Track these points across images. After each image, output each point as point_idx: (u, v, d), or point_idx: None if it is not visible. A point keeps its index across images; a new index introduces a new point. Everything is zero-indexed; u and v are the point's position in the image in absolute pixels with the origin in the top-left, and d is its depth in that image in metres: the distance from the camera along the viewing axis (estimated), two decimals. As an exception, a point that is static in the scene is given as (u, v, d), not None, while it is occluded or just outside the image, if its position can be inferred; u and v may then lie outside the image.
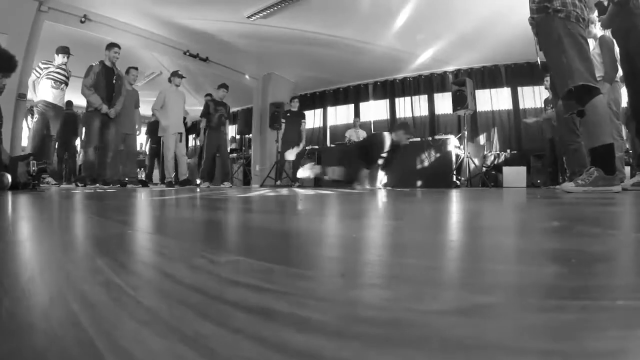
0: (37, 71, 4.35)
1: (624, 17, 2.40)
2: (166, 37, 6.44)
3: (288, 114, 6.47)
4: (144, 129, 7.13)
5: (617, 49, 3.10)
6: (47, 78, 4.38)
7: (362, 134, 7.15)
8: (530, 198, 1.89)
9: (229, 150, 6.66)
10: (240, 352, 0.15)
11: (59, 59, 4.47)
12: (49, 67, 4.38)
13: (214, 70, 7.36)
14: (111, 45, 4.53)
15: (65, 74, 4.52)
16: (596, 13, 2.77)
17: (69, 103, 6.80)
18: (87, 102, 4.38)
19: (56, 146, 5.35)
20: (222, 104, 5.78)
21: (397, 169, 5.43)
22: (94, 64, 4.42)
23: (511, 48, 5.98)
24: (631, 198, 1.60)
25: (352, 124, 7.61)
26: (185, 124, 5.74)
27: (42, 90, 4.37)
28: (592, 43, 3.18)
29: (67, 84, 4.55)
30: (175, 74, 5.45)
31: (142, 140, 8.16)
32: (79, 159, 6.03)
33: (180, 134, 5.46)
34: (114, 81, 4.51)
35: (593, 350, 0.16)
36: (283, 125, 6.50)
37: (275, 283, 0.27)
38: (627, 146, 3.74)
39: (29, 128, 4.59)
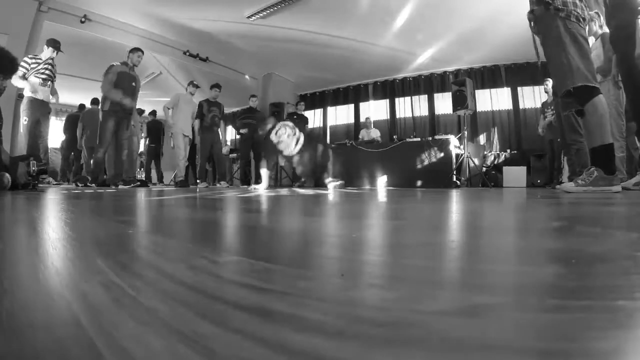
0: (23, 66, 4.11)
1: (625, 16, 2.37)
2: (166, 37, 6.44)
3: (295, 117, 6.45)
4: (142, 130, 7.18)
5: None
6: (35, 76, 4.24)
7: (375, 133, 7.10)
8: (530, 198, 1.89)
9: (229, 151, 6.68)
10: (240, 352, 0.15)
11: (48, 52, 4.29)
12: (37, 63, 4.21)
13: (214, 70, 7.36)
14: (135, 50, 4.54)
15: (52, 69, 4.37)
16: (596, 10, 2.76)
17: (81, 106, 6.83)
18: (107, 99, 4.32)
19: (47, 144, 5.24)
20: (216, 103, 5.82)
21: (398, 169, 5.45)
22: (115, 64, 4.38)
23: (511, 48, 5.99)
24: (631, 198, 1.60)
25: (364, 123, 7.46)
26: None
27: (30, 87, 4.18)
28: (591, 41, 3.17)
29: (53, 80, 4.44)
30: (190, 83, 5.64)
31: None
32: (83, 159, 6.04)
33: (188, 137, 5.55)
34: (133, 84, 4.52)
35: (593, 350, 0.16)
36: None
37: (275, 283, 0.27)
38: None
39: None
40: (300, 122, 6.43)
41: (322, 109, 9.25)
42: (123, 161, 4.56)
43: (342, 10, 5.29)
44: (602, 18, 3.02)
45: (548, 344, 0.16)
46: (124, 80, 4.40)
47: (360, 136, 7.15)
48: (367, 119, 7.46)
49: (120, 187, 4.36)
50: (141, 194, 2.28)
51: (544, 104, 5.06)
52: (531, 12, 2.18)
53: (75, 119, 6.51)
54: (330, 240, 0.54)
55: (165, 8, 5.44)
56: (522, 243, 0.51)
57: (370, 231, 0.64)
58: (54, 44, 4.30)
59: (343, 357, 0.15)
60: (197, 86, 5.65)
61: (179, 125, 5.42)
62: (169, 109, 5.40)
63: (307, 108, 9.39)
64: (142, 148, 8.55)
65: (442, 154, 5.19)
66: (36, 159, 2.77)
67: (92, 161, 5.05)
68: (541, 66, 2.40)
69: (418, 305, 0.22)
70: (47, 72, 4.29)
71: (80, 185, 4.43)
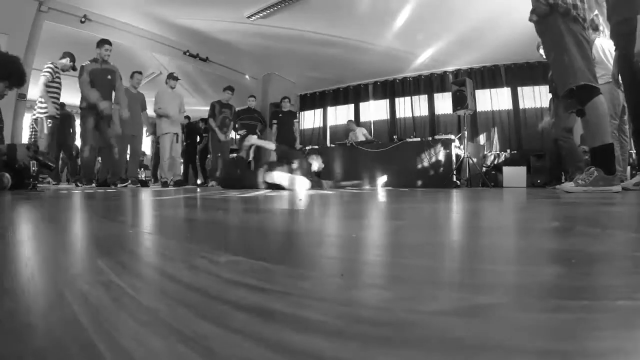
0: (50, 72, 4.28)
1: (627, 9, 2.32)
2: (166, 37, 6.44)
3: (280, 115, 6.48)
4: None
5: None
6: (56, 84, 4.40)
7: (361, 132, 7.07)
8: (530, 198, 1.89)
9: (229, 151, 6.69)
10: (240, 352, 0.15)
11: (66, 65, 4.42)
12: (58, 72, 4.37)
13: (214, 70, 7.36)
14: (102, 42, 4.43)
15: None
16: (596, 12, 2.75)
17: (62, 105, 6.83)
18: (85, 98, 4.31)
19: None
20: (227, 105, 5.88)
21: (398, 169, 5.44)
22: (85, 64, 4.34)
23: (511, 48, 5.99)
24: (631, 198, 1.60)
25: (348, 127, 7.39)
26: (182, 125, 5.79)
27: (50, 94, 4.36)
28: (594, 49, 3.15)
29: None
30: (170, 76, 5.59)
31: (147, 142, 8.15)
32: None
33: (176, 134, 5.49)
34: (108, 77, 4.43)
35: (593, 350, 0.16)
36: (274, 127, 6.49)
37: (275, 283, 0.27)
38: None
39: (33, 133, 4.58)
40: (289, 117, 6.46)
41: (322, 109, 9.24)
42: (115, 160, 4.54)
43: (342, 11, 5.29)
44: (600, 18, 3.02)
45: (548, 344, 0.16)
46: (97, 78, 4.33)
47: (348, 139, 6.75)
48: (349, 121, 7.37)
49: (119, 186, 4.37)
50: (141, 194, 2.28)
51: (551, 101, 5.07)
52: (533, 11, 2.18)
53: (63, 118, 6.47)
54: (330, 240, 0.54)
55: (165, 8, 5.43)
56: (522, 243, 0.51)
57: (370, 231, 0.64)
58: (74, 61, 4.45)
59: (343, 357, 0.15)
60: (176, 78, 5.60)
61: (166, 125, 5.35)
62: (159, 109, 5.34)
63: (307, 108, 9.40)
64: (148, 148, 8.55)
65: (442, 154, 5.19)
66: (39, 155, 2.69)
67: (79, 161, 5.10)
68: (541, 65, 2.39)
69: (418, 305, 0.22)
70: (60, 80, 4.43)
71: (80, 185, 4.44)
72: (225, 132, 5.91)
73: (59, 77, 4.40)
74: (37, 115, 4.34)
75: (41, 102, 4.28)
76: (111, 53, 4.47)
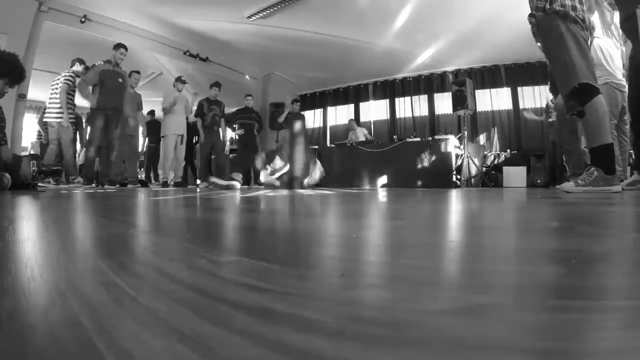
0: (71, 81, 4.47)
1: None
2: (166, 37, 6.44)
3: (288, 115, 6.48)
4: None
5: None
6: (74, 92, 4.56)
7: (362, 132, 7.08)
8: (530, 198, 1.89)
9: (229, 151, 6.69)
10: (240, 352, 0.15)
11: (79, 69, 4.56)
12: (75, 80, 4.53)
13: (214, 70, 7.36)
14: (118, 46, 4.58)
15: None
16: (596, 14, 2.75)
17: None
18: (82, 95, 4.51)
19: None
20: (216, 102, 5.82)
21: (398, 169, 5.44)
22: (97, 63, 4.44)
23: (511, 48, 5.98)
24: (631, 198, 1.60)
25: (348, 126, 7.48)
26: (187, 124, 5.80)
27: (68, 102, 4.51)
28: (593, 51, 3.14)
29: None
30: (178, 79, 5.64)
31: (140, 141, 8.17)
32: (79, 159, 6.04)
33: (181, 136, 5.50)
34: (120, 80, 4.54)
35: (593, 350, 0.16)
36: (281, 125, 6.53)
37: (275, 283, 0.27)
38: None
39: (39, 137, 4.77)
40: (297, 119, 6.48)
41: (322, 109, 9.24)
42: (111, 162, 4.58)
43: (342, 11, 5.29)
44: (599, 18, 3.01)
45: (548, 344, 0.16)
46: (108, 79, 4.43)
47: (348, 139, 6.87)
48: (350, 121, 7.44)
49: (107, 186, 4.39)
50: (141, 194, 2.28)
51: (548, 105, 5.07)
52: (532, 15, 2.18)
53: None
54: (330, 240, 0.54)
55: (165, 8, 5.43)
56: (521, 243, 0.51)
57: (370, 231, 0.64)
58: (84, 63, 4.61)
59: (343, 357, 0.15)
60: (184, 82, 5.66)
61: (172, 126, 5.40)
62: (168, 109, 5.37)
63: (307, 108, 9.40)
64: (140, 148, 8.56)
65: (442, 154, 5.19)
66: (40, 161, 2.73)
67: (82, 162, 5.20)
68: (541, 65, 2.39)
69: (418, 305, 0.22)
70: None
71: (80, 185, 4.44)
72: (217, 130, 5.89)
73: (74, 85, 4.56)
74: (53, 119, 4.47)
75: (59, 108, 4.42)
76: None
